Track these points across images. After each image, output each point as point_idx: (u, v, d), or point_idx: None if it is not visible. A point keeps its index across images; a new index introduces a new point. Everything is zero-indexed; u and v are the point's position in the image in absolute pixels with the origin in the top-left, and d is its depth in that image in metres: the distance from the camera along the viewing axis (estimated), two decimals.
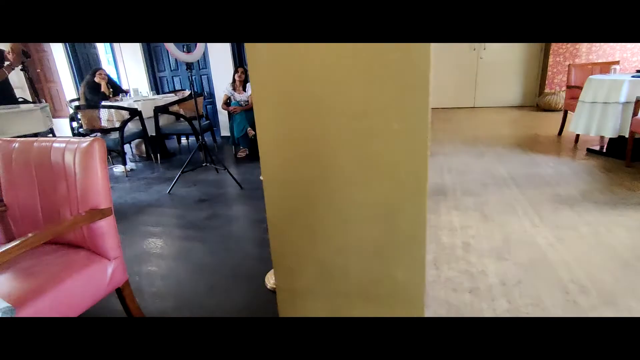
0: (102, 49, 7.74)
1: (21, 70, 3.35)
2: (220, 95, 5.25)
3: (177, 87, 5.63)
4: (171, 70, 5.62)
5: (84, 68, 6.08)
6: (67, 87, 6.06)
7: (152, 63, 5.62)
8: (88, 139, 1.23)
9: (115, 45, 7.98)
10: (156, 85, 5.69)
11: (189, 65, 3.12)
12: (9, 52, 3.17)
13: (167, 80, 5.70)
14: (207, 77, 5.47)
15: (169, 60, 5.56)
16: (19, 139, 1.37)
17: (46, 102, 5.68)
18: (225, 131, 5.46)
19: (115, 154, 4.58)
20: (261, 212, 2.76)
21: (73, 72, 5.96)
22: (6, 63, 3.23)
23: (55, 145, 1.30)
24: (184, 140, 5.43)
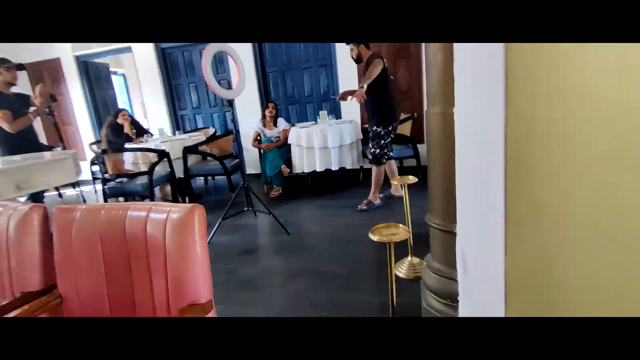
0: (117, 89, 7.64)
1: (47, 114, 3.11)
2: (245, 132, 5.01)
3: (200, 125, 5.41)
4: (193, 108, 5.42)
5: (102, 109, 5.91)
6: (84, 129, 5.85)
7: (174, 101, 5.43)
8: (183, 205, 0.91)
9: (133, 85, 7.89)
10: (177, 124, 5.47)
11: (230, 102, 2.87)
12: (35, 96, 2.93)
13: (188, 118, 5.48)
14: (232, 114, 5.24)
15: (191, 98, 5.37)
16: (82, 205, 1.04)
17: (64, 145, 5.45)
18: (250, 169, 5.17)
19: (140, 199, 4.29)
20: (323, 263, 2.40)
21: (91, 114, 5.77)
22: (32, 108, 3.00)
23: (134, 213, 0.97)
24: (207, 178, 5.13)
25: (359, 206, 3.40)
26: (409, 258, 2.20)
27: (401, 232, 1.35)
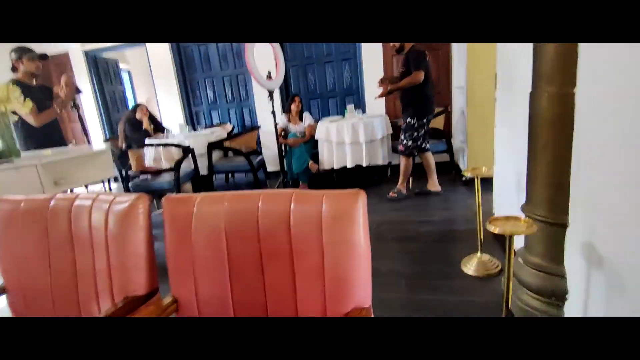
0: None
1: (72, 107, 2.92)
2: (265, 128, 4.84)
3: (215, 121, 5.23)
4: (209, 104, 5.24)
5: (111, 105, 5.70)
6: (93, 126, 5.63)
7: (188, 97, 5.24)
8: (341, 191, 0.77)
9: (139, 82, 7.67)
10: (192, 120, 5.28)
11: (270, 94, 2.72)
12: (61, 87, 2.75)
13: (204, 114, 5.30)
14: (249, 109, 5.09)
15: (207, 93, 5.20)
16: (198, 195, 0.90)
17: (88, 139, 5.27)
18: (270, 166, 5.01)
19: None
20: (381, 262, 2.27)
21: (99, 110, 5.56)
22: (55, 100, 2.81)
23: (268, 205, 0.83)
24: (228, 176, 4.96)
25: (390, 193, 3.44)
26: (478, 255, 2.08)
27: (523, 224, 1.22)
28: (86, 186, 4.80)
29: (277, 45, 2.76)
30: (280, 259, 0.82)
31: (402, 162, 3.35)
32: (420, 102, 3.12)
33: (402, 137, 3.25)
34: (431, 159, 3.37)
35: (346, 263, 0.75)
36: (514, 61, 1.96)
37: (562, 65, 1.26)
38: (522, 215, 1.51)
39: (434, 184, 3.44)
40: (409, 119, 3.14)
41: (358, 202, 0.75)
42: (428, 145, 3.34)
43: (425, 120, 3.14)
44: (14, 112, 2.58)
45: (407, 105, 3.18)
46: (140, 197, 0.92)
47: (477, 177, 1.95)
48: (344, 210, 0.75)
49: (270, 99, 2.69)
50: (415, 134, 3.18)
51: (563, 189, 1.35)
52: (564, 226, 1.37)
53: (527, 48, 1.71)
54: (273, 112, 2.72)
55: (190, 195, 0.90)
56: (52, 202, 1.03)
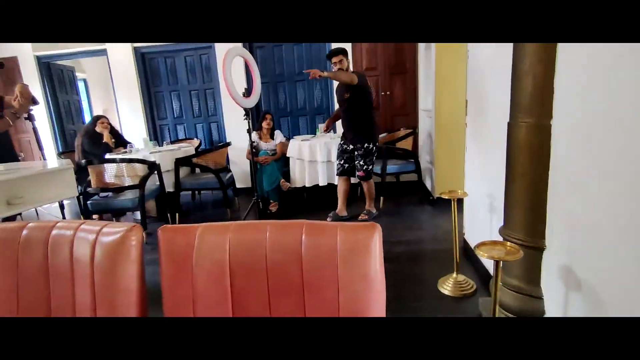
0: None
1: (26, 119, 2.69)
2: (234, 144, 4.74)
3: (181, 136, 5.05)
4: (174, 118, 5.06)
5: (65, 116, 5.34)
6: (45, 138, 5.21)
7: (152, 110, 5.03)
8: (355, 224, 0.76)
9: (95, 92, 7.26)
10: (156, 135, 5.06)
11: (247, 112, 2.68)
12: (16, 96, 2.53)
13: (168, 128, 5.11)
14: (217, 125, 4.98)
15: (172, 107, 5.02)
16: (198, 225, 0.84)
17: (18, 155, 4.82)
18: (240, 183, 4.89)
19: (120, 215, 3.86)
20: None
21: (52, 121, 5.18)
22: (7, 110, 2.58)
23: (282, 235, 0.80)
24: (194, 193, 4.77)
25: (360, 216, 3.41)
26: (454, 275, 2.13)
27: (509, 250, 1.27)
28: (36, 209, 4.42)
29: (252, 61, 2.74)
30: (291, 295, 0.78)
31: (365, 185, 3.38)
32: (372, 127, 3.24)
33: (362, 162, 3.22)
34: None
35: (363, 299, 0.73)
36: (485, 90, 2.08)
37: (539, 99, 1.35)
38: (500, 238, 1.58)
39: (343, 210, 3.52)
40: (366, 145, 3.19)
41: (375, 235, 0.74)
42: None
43: (378, 143, 3.29)
44: None
45: (360, 131, 3.21)
46: (134, 227, 0.85)
47: (454, 200, 2.02)
48: (361, 243, 0.74)
49: (247, 117, 2.64)
50: (374, 157, 3.27)
51: (540, 214, 1.43)
52: (541, 249, 1.45)
53: (497, 79, 1.82)
54: (249, 130, 2.67)
55: (191, 226, 0.84)
56: (24, 232, 0.92)
